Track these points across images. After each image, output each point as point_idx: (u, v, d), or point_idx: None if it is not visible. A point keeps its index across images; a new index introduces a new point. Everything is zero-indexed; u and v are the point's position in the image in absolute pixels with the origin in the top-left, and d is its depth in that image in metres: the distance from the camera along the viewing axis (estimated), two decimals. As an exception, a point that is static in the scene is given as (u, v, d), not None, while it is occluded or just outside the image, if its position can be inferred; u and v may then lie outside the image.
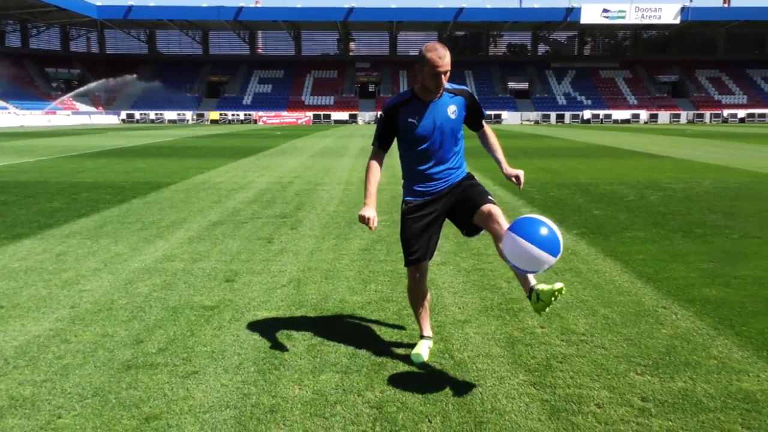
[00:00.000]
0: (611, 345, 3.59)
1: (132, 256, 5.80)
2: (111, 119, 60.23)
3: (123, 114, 61.27)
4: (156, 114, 61.56)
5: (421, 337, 3.58)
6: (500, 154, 3.48)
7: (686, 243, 6.27)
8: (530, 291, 3.02)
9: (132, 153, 19.51)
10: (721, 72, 68.80)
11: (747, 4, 66.69)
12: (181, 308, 4.30)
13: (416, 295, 3.48)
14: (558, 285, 2.85)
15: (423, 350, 3.46)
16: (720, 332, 3.77)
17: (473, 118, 3.39)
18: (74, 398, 2.97)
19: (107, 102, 64.12)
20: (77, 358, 3.45)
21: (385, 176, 12.00)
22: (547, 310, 2.97)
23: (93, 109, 61.62)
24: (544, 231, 2.81)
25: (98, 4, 60.58)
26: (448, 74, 3.11)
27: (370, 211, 3.18)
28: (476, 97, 3.43)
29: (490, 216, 3.17)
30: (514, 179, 3.33)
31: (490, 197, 3.27)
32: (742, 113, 60.56)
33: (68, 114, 56.19)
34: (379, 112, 3.21)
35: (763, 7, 62.10)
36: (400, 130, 3.26)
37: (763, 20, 62.97)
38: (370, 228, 3.18)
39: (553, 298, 2.87)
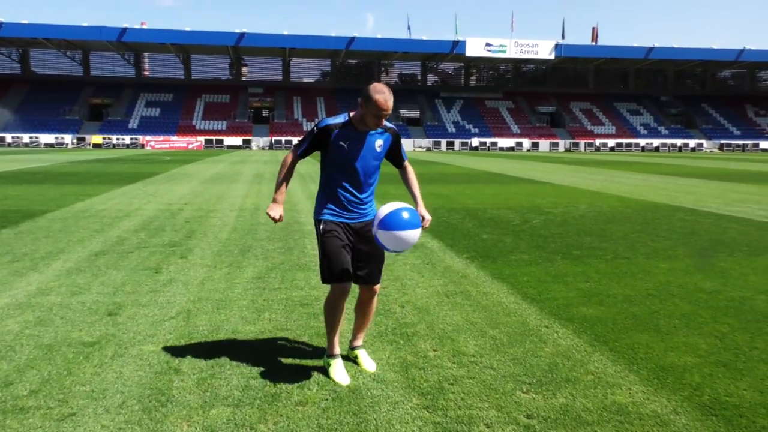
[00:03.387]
0: (499, 365, 3.74)
1: (0, 291, 5.34)
2: (-23, 142, 55.48)
3: (-9, 136, 56.62)
4: (30, 137, 57.36)
5: (336, 355, 3.64)
6: (417, 191, 3.80)
7: (565, 264, 6.67)
8: (353, 348, 3.75)
9: (1, 179, 18.05)
10: (592, 104, 74.44)
11: (612, 43, 72.76)
12: (57, 345, 4.01)
13: (339, 312, 3.58)
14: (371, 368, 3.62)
15: (344, 371, 3.58)
16: (596, 348, 4.04)
17: (395, 155, 3.71)
18: (-70, 452, 2.68)
19: (-27, 124, 59.05)
20: (-66, 406, 3.11)
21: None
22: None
23: (-44, 131, 56.56)
24: (405, 215, 3.36)
25: (-38, 18, 55.89)
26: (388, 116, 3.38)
27: (277, 210, 3.58)
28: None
29: (371, 294, 3.69)
30: (422, 218, 3.60)
31: (380, 273, 3.69)
32: (612, 142, 65.69)
33: (-74, 136, 51.12)
34: (312, 126, 3.41)
35: (626, 46, 67.72)
36: (329, 150, 3.46)
37: (627, 58, 69.18)
38: (275, 222, 3.63)
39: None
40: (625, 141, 66.26)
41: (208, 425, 2.95)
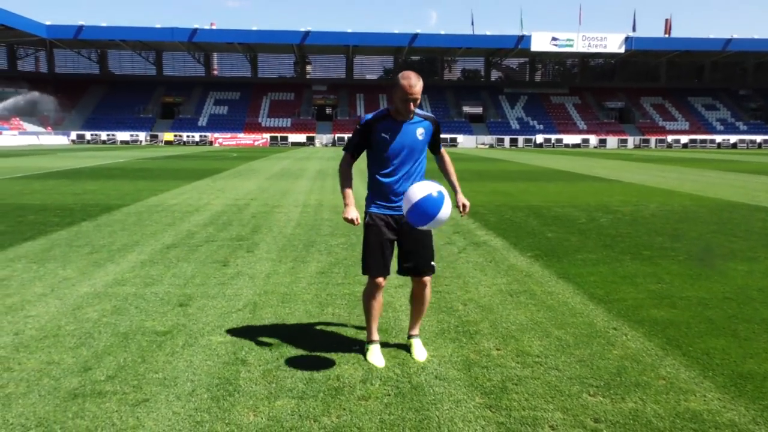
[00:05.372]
0: (564, 366, 3.65)
1: (81, 281, 5.63)
2: (60, 140, 58.52)
3: (73, 134, 59.64)
4: (108, 135, 60.16)
5: (374, 341, 3.83)
6: (455, 179, 3.95)
7: (635, 265, 6.45)
8: (409, 337, 3.90)
9: (82, 174, 19.01)
10: (664, 99, 71.58)
11: (687, 35, 69.48)
12: (132, 334, 4.19)
13: (376, 303, 3.75)
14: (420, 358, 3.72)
15: (380, 355, 3.76)
16: (668, 353, 3.88)
17: (435, 142, 3.79)
18: (17, 429, 2.85)
19: (56, 122, 62.33)
20: (21, 387, 3.31)
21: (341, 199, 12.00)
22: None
23: (41, 129, 59.77)
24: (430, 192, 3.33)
25: (47, 23, 59.02)
26: (418, 101, 3.49)
27: (353, 212, 3.57)
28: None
29: (421, 287, 3.77)
30: (461, 206, 3.76)
31: (432, 263, 3.73)
32: (685, 139, 63.05)
33: (15, 134, 54.27)
34: (357, 125, 3.64)
35: (701, 38, 64.73)
36: (373, 143, 3.60)
37: (702, 50, 66.07)
38: (356, 225, 3.57)
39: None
40: (699, 137, 63.44)
41: (274, 415, 3.01)
